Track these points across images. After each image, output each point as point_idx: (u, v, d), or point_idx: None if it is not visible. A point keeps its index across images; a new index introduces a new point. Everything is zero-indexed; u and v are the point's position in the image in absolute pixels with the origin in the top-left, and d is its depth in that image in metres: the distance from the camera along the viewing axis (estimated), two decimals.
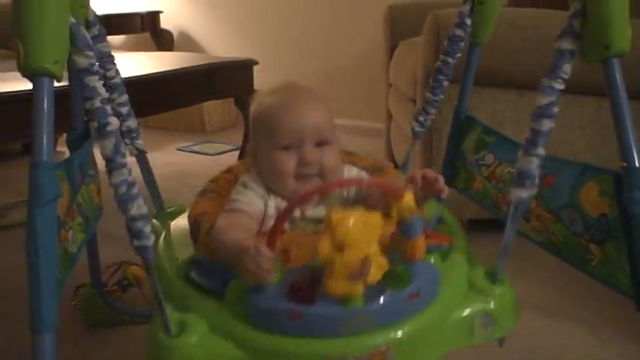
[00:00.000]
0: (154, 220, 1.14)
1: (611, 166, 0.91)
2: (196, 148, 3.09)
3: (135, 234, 0.73)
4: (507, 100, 1.75)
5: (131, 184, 0.73)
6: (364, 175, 1.00)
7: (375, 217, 0.72)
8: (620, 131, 0.86)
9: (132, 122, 1.11)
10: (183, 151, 3.05)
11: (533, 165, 0.86)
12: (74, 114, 1.08)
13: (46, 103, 0.72)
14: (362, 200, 0.93)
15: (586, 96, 1.70)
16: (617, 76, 0.85)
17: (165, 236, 1.06)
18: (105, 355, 1.35)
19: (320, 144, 0.92)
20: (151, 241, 0.74)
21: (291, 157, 0.91)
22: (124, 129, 1.09)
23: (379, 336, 0.74)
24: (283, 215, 0.75)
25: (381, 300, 0.74)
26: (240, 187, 0.94)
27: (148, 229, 0.73)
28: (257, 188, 0.93)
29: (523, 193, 0.86)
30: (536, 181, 0.86)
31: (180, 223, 1.08)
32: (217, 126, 3.44)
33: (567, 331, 1.41)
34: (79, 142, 1.05)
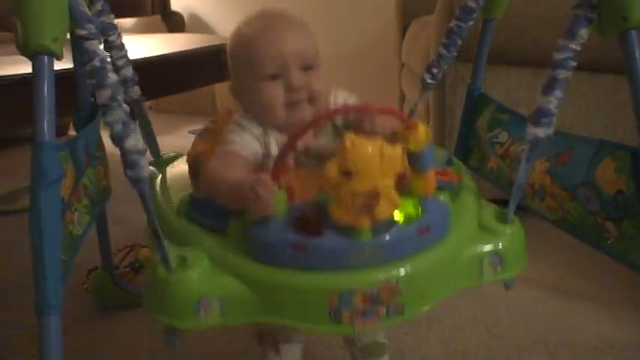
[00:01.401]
0: (150, 167, 1.12)
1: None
2: None
3: (129, 164, 0.69)
4: (522, 79, 1.71)
5: (126, 123, 0.69)
6: (355, 99, 0.96)
7: (396, 150, 0.69)
8: (638, 107, 0.83)
9: (127, 71, 1.08)
10: (195, 134, 3.03)
11: (552, 104, 0.82)
12: (80, 94, 1.07)
13: (47, 82, 0.70)
14: (349, 127, 0.89)
15: (602, 74, 1.66)
16: (636, 49, 0.82)
17: (161, 179, 1.04)
18: (117, 337, 1.36)
19: (305, 69, 0.88)
20: (146, 173, 0.70)
21: (277, 85, 0.87)
22: (120, 78, 1.05)
23: (388, 270, 0.72)
24: (285, 149, 0.72)
25: (390, 233, 0.72)
26: (235, 126, 0.90)
27: (143, 161, 0.69)
28: (253, 128, 0.89)
29: (539, 132, 0.83)
30: (554, 120, 0.83)
31: (178, 168, 1.07)
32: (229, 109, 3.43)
33: (582, 312, 1.39)
34: (86, 123, 1.04)
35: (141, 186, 0.70)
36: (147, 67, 1.82)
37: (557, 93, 0.82)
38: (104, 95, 0.70)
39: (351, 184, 0.68)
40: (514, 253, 0.84)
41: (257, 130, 0.89)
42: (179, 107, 3.41)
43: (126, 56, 1.09)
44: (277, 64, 0.86)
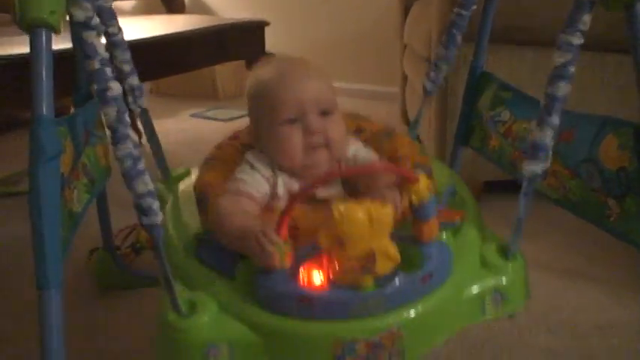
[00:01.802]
0: (159, 184, 1.12)
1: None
2: (209, 114, 3.07)
3: (143, 211, 0.71)
4: (525, 59, 1.70)
5: (136, 159, 0.71)
6: (370, 153, 0.97)
7: (386, 212, 0.71)
8: None
9: (134, 80, 1.07)
10: (196, 117, 3.04)
11: (548, 138, 0.82)
12: (78, 72, 1.06)
13: (45, 56, 0.70)
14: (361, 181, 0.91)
15: (607, 54, 1.64)
16: None
17: (172, 203, 1.04)
18: (118, 318, 1.36)
19: (323, 114, 0.89)
20: (159, 219, 0.72)
21: (295, 129, 0.88)
22: (126, 87, 1.06)
23: (390, 318, 0.73)
24: (293, 201, 0.73)
25: (393, 285, 0.73)
26: (247, 167, 0.91)
27: (156, 205, 0.71)
28: (263, 169, 0.90)
29: (537, 167, 0.83)
30: (550, 153, 0.83)
31: (187, 188, 1.06)
32: (229, 92, 3.41)
33: (584, 292, 1.39)
34: (85, 100, 1.04)
35: (156, 233, 0.72)
36: (146, 47, 1.81)
37: (555, 120, 0.82)
38: (110, 115, 0.71)
39: (345, 250, 0.70)
40: (516, 289, 0.85)
41: (266, 170, 0.90)
42: (180, 90, 3.39)
43: (130, 61, 1.07)
44: (296, 109, 0.88)
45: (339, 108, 0.93)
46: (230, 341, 0.74)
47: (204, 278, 0.81)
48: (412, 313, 0.74)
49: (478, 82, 1.21)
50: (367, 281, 0.72)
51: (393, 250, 0.72)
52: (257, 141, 0.95)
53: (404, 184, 0.77)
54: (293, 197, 0.74)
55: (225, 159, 0.99)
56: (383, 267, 0.71)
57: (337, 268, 0.72)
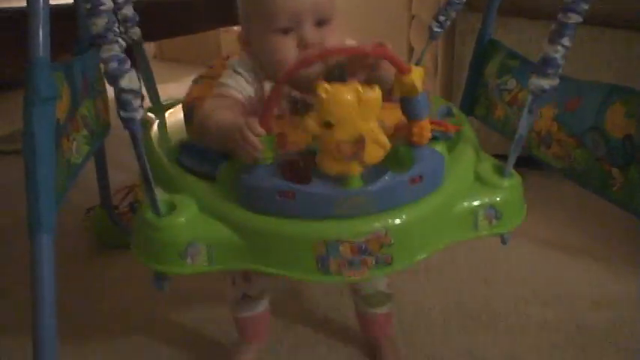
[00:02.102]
0: (148, 113, 1.09)
1: None
2: None
3: (122, 104, 0.66)
4: (534, 32, 1.67)
5: (123, 60, 0.67)
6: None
7: (374, 92, 0.66)
8: None
9: (128, 10, 1.03)
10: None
11: (559, 54, 0.79)
12: (80, 27, 1.05)
13: None
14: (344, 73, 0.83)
15: (616, 30, 1.61)
16: None
17: (158, 124, 1.02)
18: (115, 276, 1.36)
19: (320, 23, 0.84)
20: (139, 114, 0.68)
21: (289, 40, 0.83)
22: (120, 17, 1.01)
23: (377, 220, 0.71)
24: (273, 93, 0.69)
25: (381, 182, 0.70)
26: (230, 71, 0.88)
27: (137, 102, 0.67)
28: (246, 74, 0.87)
29: (544, 83, 0.79)
30: (560, 71, 0.80)
31: (175, 114, 1.05)
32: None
33: (581, 267, 1.38)
34: (86, 51, 1.02)
35: (133, 126, 0.68)
36: (148, 7, 1.78)
37: (566, 41, 0.78)
38: (99, 24, 0.66)
39: (333, 134, 0.66)
40: (511, 207, 0.82)
41: (249, 75, 0.87)
42: (184, 55, 3.36)
43: None
44: (291, 17, 0.82)
45: (337, 14, 0.87)
46: (209, 241, 0.73)
47: (184, 181, 0.79)
48: (401, 216, 0.71)
49: (485, 49, 1.19)
50: (354, 169, 0.68)
51: (382, 136, 0.67)
52: (246, 46, 0.90)
53: (394, 74, 0.71)
54: (277, 83, 0.70)
55: (214, 76, 0.95)
56: (372, 154, 0.67)
57: (324, 154, 0.67)
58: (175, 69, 3.22)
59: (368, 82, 0.67)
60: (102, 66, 0.67)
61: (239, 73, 0.87)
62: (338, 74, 0.76)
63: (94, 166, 1.37)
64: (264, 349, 1.12)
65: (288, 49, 0.83)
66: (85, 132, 0.97)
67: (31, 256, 0.70)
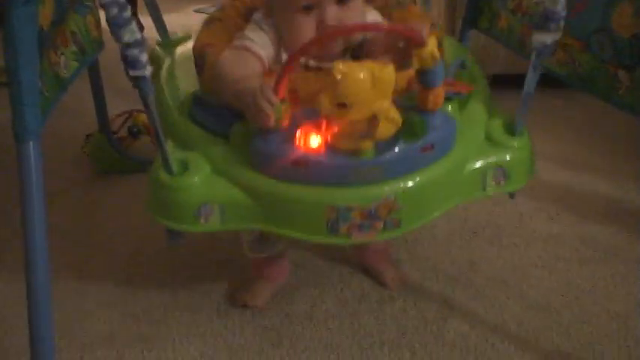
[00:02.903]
0: (157, 48, 1.07)
1: None
2: (213, 10, 2.98)
3: (130, 62, 0.65)
4: None
5: (122, 6, 0.64)
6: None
7: (388, 71, 0.66)
8: None
9: None
10: (200, 12, 2.96)
11: (560, 5, 0.76)
12: None
13: None
14: (364, 47, 0.84)
15: None
16: None
17: (169, 65, 0.99)
18: (115, 201, 1.36)
19: (341, 1, 0.81)
20: (148, 71, 0.66)
21: (310, 20, 0.80)
22: None
23: (386, 187, 0.71)
24: (288, 62, 0.69)
25: (392, 152, 0.70)
26: (255, 26, 0.85)
27: (144, 57, 0.65)
28: (271, 32, 0.85)
29: (547, 38, 0.77)
30: (562, 24, 0.77)
31: (186, 51, 1.01)
32: None
33: (588, 183, 1.37)
34: None
35: (143, 85, 0.66)
36: None
37: None
38: None
39: (347, 114, 0.66)
40: (520, 167, 0.82)
41: (275, 36, 0.84)
42: None
43: None
44: None
45: None
46: (222, 202, 0.73)
47: (197, 138, 0.78)
48: (409, 183, 0.72)
49: None
50: (367, 146, 0.69)
51: (395, 113, 0.68)
52: (268, 17, 0.87)
53: (410, 47, 0.71)
54: (293, 54, 0.70)
55: (226, 21, 0.93)
56: (384, 131, 0.68)
57: (337, 132, 0.68)
58: None
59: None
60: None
61: (264, 30, 0.84)
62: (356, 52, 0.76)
63: (91, 92, 1.35)
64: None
65: (307, 30, 0.80)
66: (74, 48, 0.95)
67: (19, 166, 0.68)
